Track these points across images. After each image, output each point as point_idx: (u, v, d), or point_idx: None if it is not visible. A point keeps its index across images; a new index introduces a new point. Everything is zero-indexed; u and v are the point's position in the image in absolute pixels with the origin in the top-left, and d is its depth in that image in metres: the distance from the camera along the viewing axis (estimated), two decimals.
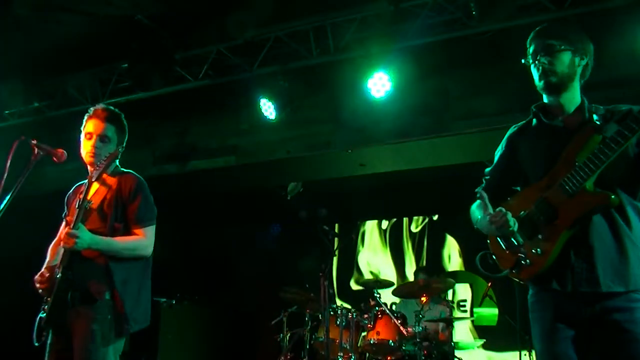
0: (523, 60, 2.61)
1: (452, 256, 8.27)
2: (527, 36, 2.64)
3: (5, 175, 3.02)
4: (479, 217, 2.62)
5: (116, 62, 6.26)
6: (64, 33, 5.54)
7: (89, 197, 3.16)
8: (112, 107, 3.48)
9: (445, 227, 8.44)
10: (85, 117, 3.43)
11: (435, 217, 8.58)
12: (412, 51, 5.53)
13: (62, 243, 3.08)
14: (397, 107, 6.04)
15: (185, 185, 8.06)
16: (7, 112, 7.14)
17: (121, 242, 3.20)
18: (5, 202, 2.98)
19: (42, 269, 3.30)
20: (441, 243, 8.40)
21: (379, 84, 5.74)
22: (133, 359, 6.67)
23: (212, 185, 8.21)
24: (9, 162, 3.06)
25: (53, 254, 3.41)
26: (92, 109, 3.45)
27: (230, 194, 8.54)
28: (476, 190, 2.70)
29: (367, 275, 8.63)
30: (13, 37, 5.61)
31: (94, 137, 3.34)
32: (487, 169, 2.82)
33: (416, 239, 8.58)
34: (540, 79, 2.54)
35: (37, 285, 3.23)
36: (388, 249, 8.75)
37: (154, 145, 7.43)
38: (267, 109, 6.20)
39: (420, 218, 8.69)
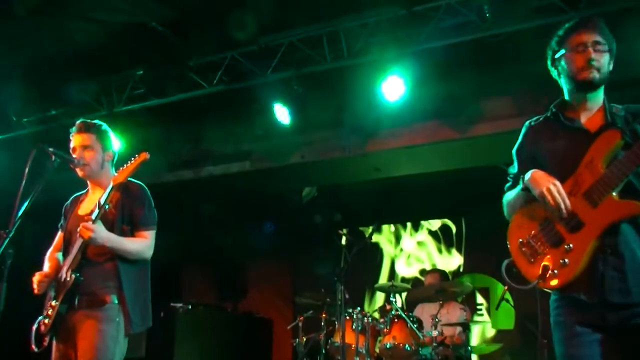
0: (557, 48, 2.48)
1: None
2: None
3: (24, 182, 3.06)
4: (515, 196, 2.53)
5: (131, 69, 6.32)
6: (80, 41, 5.60)
7: (107, 201, 3.23)
8: (89, 120, 3.57)
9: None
10: (70, 137, 3.53)
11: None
12: (426, 55, 5.52)
13: (78, 234, 3.15)
14: (411, 110, 6.04)
15: (200, 191, 8.09)
16: (24, 119, 7.23)
17: (130, 242, 3.32)
18: (23, 208, 3.02)
19: (44, 270, 3.42)
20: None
21: (393, 88, 5.74)
22: None
23: (227, 191, 8.24)
24: (27, 169, 3.10)
25: (53, 265, 3.50)
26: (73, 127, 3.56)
27: (246, 199, 8.57)
28: (505, 188, 2.64)
29: (383, 279, 8.60)
30: (30, 45, 5.67)
31: (78, 149, 3.45)
32: (511, 169, 2.69)
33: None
34: (582, 72, 2.40)
35: (36, 283, 3.32)
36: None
37: (169, 151, 7.48)
38: (282, 114, 6.23)
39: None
